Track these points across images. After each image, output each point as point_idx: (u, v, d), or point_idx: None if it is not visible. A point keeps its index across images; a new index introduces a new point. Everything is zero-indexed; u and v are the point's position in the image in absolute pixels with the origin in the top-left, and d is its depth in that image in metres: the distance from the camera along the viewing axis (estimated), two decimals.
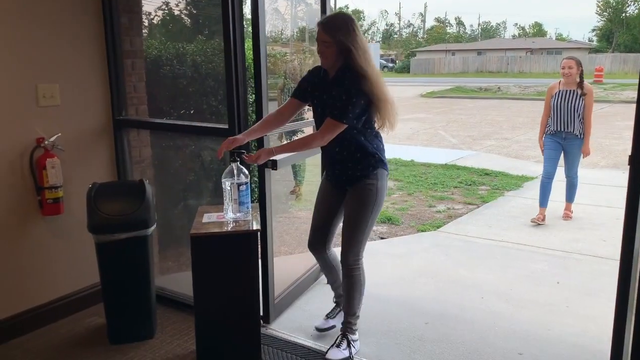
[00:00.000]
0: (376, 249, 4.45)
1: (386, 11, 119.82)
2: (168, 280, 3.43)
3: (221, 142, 2.43)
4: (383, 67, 47.52)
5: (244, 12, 2.71)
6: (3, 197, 2.79)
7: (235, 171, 2.38)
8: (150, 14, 4.18)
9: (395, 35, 71.28)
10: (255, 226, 2.32)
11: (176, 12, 4.66)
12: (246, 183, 2.38)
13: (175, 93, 4.17)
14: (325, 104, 2.45)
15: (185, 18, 4.88)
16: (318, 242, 2.80)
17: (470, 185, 6.95)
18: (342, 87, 2.37)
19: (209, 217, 2.43)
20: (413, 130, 12.77)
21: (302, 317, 3.09)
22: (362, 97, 2.36)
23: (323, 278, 3.64)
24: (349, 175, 2.54)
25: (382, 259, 4.17)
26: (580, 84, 4.84)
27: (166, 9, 4.40)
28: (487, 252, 4.33)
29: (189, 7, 4.71)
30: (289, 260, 4.03)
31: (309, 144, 2.44)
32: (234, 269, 2.32)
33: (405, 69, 45.44)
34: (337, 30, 2.33)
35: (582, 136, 4.89)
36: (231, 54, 2.67)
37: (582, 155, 4.99)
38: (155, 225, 2.85)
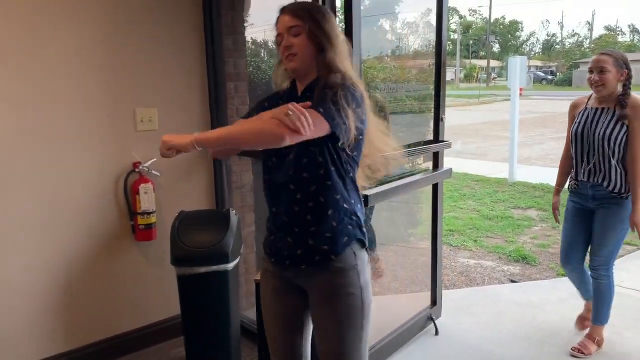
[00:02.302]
0: (501, 294, 3.87)
1: (547, 21, 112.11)
2: None
3: None
4: (541, 79, 44.36)
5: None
6: (100, 220, 2.81)
7: None
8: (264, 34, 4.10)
9: (557, 46, 66.19)
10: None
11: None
12: None
13: None
14: None
15: None
16: None
17: None
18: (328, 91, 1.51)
19: None
20: None
21: None
22: (361, 113, 1.55)
23: (431, 327, 3.20)
24: (309, 249, 1.60)
25: (506, 307, 3.59)
26: (622, 99, 2.70)
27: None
28: None
29: None
30: (396, 301, 3.64)
31: (261, 131, 1.44)
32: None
33: (566, 82, 41.83)
34: (309, 12, 1.59)
35: (624, 194, 2.73)
36: None
37: (626, 228, 2.76)
38: (238, 259, 2.67)
